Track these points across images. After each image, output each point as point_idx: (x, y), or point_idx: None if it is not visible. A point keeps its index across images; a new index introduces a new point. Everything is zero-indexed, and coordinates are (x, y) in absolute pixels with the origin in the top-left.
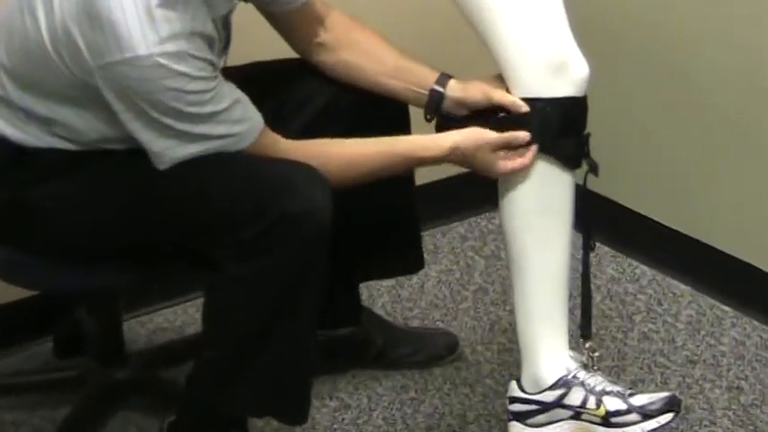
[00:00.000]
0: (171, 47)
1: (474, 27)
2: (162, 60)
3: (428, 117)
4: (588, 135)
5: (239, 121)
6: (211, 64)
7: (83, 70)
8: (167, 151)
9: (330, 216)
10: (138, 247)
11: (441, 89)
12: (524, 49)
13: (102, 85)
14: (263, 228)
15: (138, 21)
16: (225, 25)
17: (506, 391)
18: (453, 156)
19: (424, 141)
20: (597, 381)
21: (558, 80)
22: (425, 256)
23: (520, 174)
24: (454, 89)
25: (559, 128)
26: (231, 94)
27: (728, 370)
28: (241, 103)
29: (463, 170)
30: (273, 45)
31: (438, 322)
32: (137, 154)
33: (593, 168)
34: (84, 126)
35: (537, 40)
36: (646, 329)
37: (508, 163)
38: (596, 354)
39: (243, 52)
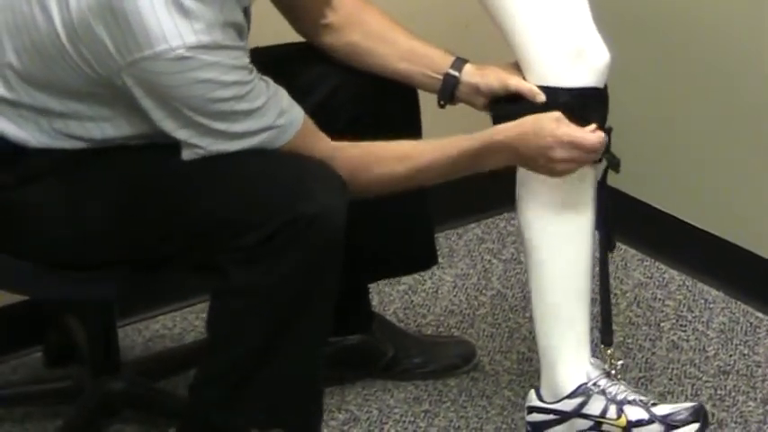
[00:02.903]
0: (205, 38)
1: (490, 12)
2: (196, 52)
3: (441, 103)
4: (610, 129)
5: (281, 114)
6: (246, 54)
7: (108, 68)
8: (209, 147)
9: (344, 219)
10: (135, 250)
11: (456, 73)
12: (542, 34)
13: (131, 83)
14: (271, 231)
15: (168, 13)
16: (245, 13)
17: (526, 402)
18: (523, 128)
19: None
20: (619, 389)
21: (576, 67)
22: (440, 259)
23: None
24: (470, 74)
25: (575, 119)
26: (268, 89)
27: (764, 381)
28: (278, 96)
29: None
30: (278, 30)
31: (453, 330)
32: (140, 150)
33: (614, 164)
34: (104, 123)
35: (555, 26)
36: (675, 338)
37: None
38: (620, 362)
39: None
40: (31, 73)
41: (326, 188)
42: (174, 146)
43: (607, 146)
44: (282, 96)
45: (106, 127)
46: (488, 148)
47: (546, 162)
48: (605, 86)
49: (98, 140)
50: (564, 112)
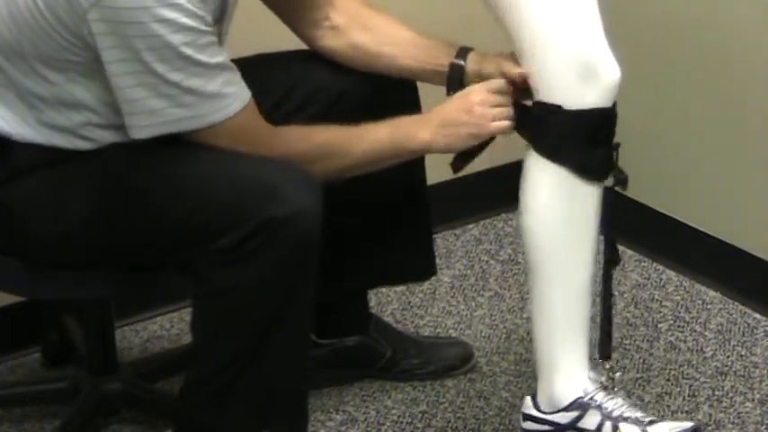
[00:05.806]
0: None
1: (502, 24)
2: None
3: (450, 93)
4: (617, 145)
5: (230, 83)
6: (206, 12)
7: (76, 15)
8: (157, 112)
9: (319, 221)
10: (118, 254)
11: (461, 62)
12: (552, 49)
13: (96, 29)
14: (245, 234)
15: None
16: None
17: (522, 408)
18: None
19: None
20: (616, 404)
21: (585, 86)
22: (437, 260)
23: (544, 178)
24: (474, 61)
25: (572, 138)
26: (223, 54)
27: (761, 382)
28: (233, 70)
29: (477, 169)
30: (279, 40)
31: (451, 331)
32: (125, 150)
33: (621, 180)
34: (80, 96)
35: (566, 40)
36: (673, 339)
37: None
38: (618, 374)
39: (246, 46)
40: (9, 43)
41: (300, 190)
42: (155, 147)
43: (614, 162)
44: (237, 74)
45: (82, 101)
46: (411, 117)
47: (466, 110)
48: (613, 105)
49: (70, 126)
50: (569, 132)
